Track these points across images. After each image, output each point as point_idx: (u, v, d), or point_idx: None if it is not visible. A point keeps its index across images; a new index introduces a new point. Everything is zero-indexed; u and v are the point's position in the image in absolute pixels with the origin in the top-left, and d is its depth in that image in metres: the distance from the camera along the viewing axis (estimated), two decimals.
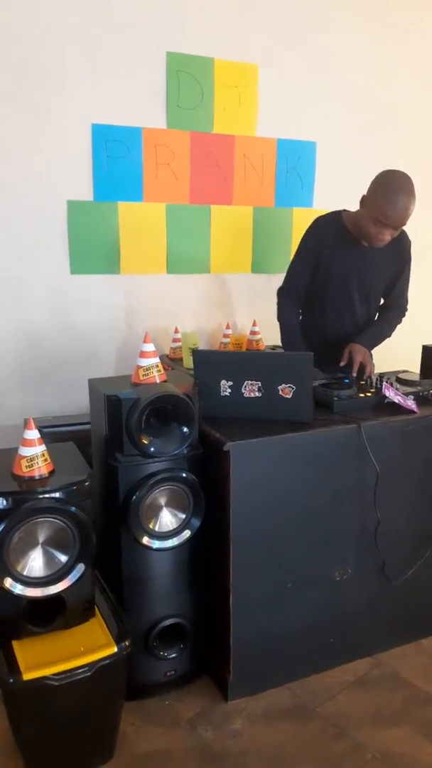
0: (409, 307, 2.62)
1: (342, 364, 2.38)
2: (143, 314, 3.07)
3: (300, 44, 3.11)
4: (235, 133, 3.08)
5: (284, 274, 2.60)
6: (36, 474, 1.71)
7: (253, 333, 3.25)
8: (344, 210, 2.47)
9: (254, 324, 3.22)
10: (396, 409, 2.10)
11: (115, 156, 2.86)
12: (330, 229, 2.42)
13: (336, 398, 2.11)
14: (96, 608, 1.84)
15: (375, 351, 2.56)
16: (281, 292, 2.57)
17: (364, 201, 2.29)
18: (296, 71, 3.13)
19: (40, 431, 2.53)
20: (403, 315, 2.60)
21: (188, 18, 2.85)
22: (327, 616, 2.15)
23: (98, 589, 1.94)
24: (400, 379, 2.35)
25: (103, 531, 1.95)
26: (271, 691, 2.09)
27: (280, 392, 1.95)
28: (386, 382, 2.19)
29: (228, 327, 3.20)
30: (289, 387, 1.93)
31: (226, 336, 3.14)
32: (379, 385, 2.20)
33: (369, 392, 2.18)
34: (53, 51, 2.64)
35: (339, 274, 2.43)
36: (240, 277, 3.25)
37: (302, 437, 1.94)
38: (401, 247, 2.46)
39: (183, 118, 2.95)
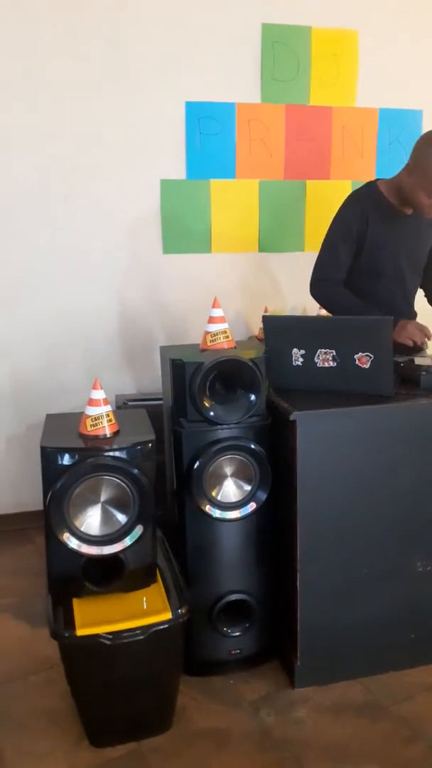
0: None
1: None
2: (234, 294, 3.04)
3: (403, 6, 2.92)
4: (334, 104, 2.96)
5: None
6: (100, 433, 1.71)
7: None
8: (378, 179, 2.26)
9: None
10: None
11: (208, 133, 2.85)
12: (371, 203, 2.18)
13: (425, 372, 1.93)
14: (159, 575, 1.82)
15: None
16: (317, 283, 2.24)
17: (410, 168, 2.06)
18: (400, 36, 2.95)
19: (125, 404, 2.60)
20: None
21: None
22: (407, 609, 1.98)
23: (164, 558, 1.92)
24: None
25: (174, 499, 1.93)
26: (343, 684, 1.96)
27: (357, 362, 1.81)
28: None
29: (321, 307, 3.07)
30: (367, 356, 1.80)
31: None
32: None
33: None
34: (146, 29, 2.68)
35: (389, 250, 2.19)
36: None
37: (379, 411, 1.80)
38: None
39: (278, 91, 2.88)
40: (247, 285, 3.04)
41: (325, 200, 3.05)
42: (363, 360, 1.81)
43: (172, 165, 2.84)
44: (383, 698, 1.90)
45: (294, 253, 3.07)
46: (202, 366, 1.73)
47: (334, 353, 1.83)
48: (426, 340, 2.08)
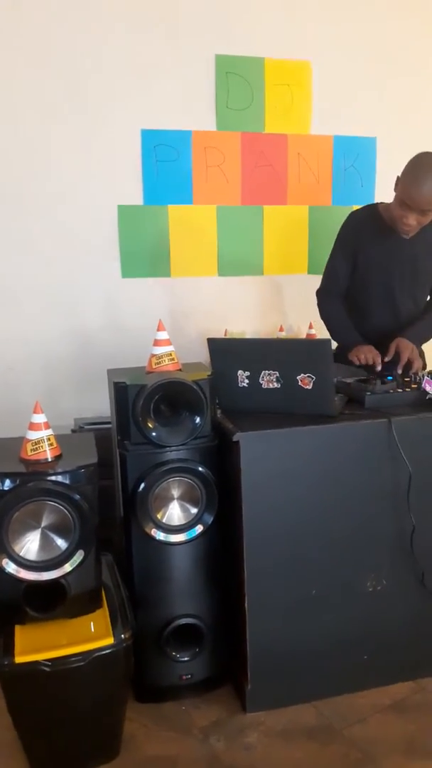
0: None
1: (387, 358, 2.21)
2: (195, 317, 3.05)
3: (355, 36, 3.01)
4: (288, 131, 3.02)
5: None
6: (42, 458, 1.71)
7: (309, 336, 3.14)
8: (380, 202, 2.33)
9: (311, 326, 3.11)
10: None
11: (165, 159, 2.89)
12: (367, 222, 2.29)
13: (369, 393, 1.96)
14: (105, 600, 1.80)
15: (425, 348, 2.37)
16: (321, 293, 2.44)
17: (397, 183, 2.15)
18: (352, 65, 3.03)
19: (80, 428, 2.59)
20: None
21: (236, 19, 2.85)
22: (360, 630, 1.97)
23: (112, 582, 1.90)
24: None
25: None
26: (295, 707, 1.94)
27: (300, 383, 1.83)
28: (428, 376, 2.00)
29: (281, 329, 3.11)
30: (308, 377, 1.81)
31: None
32: (420, 380, 2.02)
33: (408, 388, 2.01)
34: (102, 59, 2.73)
35: (380, 268, 2.28)
36: (295, 279, 3.15)
37: (323, 431, 1.81)
38: None
39: (233, 119, 2.94)
40: (208, 308, 3.06)
41: (283, 225, 3.11)
42: (305, 381, 1.82)
43: (129, 191, 2.87)
44: (335, 721, 1.89)
45: (253, 276, 3.10)
46: (144, 388, 1.74)
47: (278, 374, 1.85)
48: (373, 361, 2.14)
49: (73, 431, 2.56)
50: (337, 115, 3.06)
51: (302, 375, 1.82)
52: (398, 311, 2.33)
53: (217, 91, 2.89)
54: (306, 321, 3.11)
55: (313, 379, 1.81)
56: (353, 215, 2.35)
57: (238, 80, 2.91)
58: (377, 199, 3.17)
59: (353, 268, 2.33)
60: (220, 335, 3.01)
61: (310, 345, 1.86)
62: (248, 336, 3.07)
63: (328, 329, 2.43)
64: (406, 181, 2.05)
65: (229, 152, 2.96)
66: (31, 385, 2.89)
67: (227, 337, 2.97)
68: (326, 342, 1.80)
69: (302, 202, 3.10)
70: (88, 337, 2.94)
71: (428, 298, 2.41)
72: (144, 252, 2.94)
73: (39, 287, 2.83)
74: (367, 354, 2.16)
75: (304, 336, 3.17)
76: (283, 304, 3.16)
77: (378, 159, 3.14)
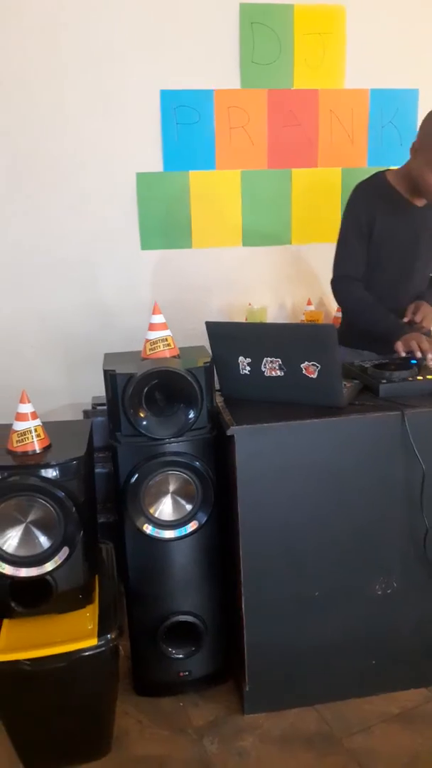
0: None
1: (406, 319, 2.01)
2: (217, 290, 2.91)
3: None
4: (320, 87, 2.77)
5: None
6: (29, 449, 1.64)
7: (339, 309, 2.94)
8: (386, 169, 2.09)
9: None
10: None
11: (185, 122, 2.71)
12: (378, 194, 2.04)
13: (384, 381, 1.78)
14: (99, 595, 1.75)
15: None
16: (340, 281, 2.12)
17: (416, 148, 1.91)
18: (391, 9, 2.73)
19: (94, 407, 2.52)
20: None
21: None
22: (368, 633, 1.85)
23: (109, 575, 1.85)
24: None
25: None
26: (297, 711, 1.85)
27: (304, 371, 1.68)
28: None
29: (309, 303, 2.93)
30: (313, 365, 1.66)
31: (307, 313, 2.88)
32: None
33: (429, 375, 1.82)
34: (115, 14, 2.55)
35: (397, 243, 2.04)
36: (326, 248, 2.87)
37: (327, 424, 1.66)
38: None
39: (259, 75, 2.71)
40: (231, 281, 2.90)
41: (313, 190, 2.89)
42: (310, 369, 1.67)
43: (148, 157, 2.72)
44: (337, 728, 1.79)
45: (280, 246, 2.91)
46: (133, 377, 1.63)
47: (280, 362, 1.70)
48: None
49: (85, 412, 2.49)
50: (374, 66, 2.78)
51: (306, 363, 1.66)
52: (415, 288, 2.10)
53: (241, 45, 2.67)
54: None
55: (318, 367, 1.65)
56: (361, 187, 2.10)
57: (265, 31, 2.67)
58: None
59: (368, 246, 2.08)
60: (243, 309, 2.86)
61: (314, 330, 1.69)
62: (271, 311, 2.90)
63: (361, 320, 2.12)
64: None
65: (254, 112, 2.75)
66: (49, 363, 2.85)
67: (251, 309, 2.82)
68: (331, 327, 1.64)
69: (334, 164, 2.86)
70: (106, 313, 2.84)
71: None
72: (164, 222, 2.80)
73: (54, 261, 2.74)
74: (420, 343, 1.88)
75: (334, 310, 2.99)
76: (312, 276, 2.96)
77: (420, 114, 2.85)
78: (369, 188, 2.07)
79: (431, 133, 1.89)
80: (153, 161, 2.73)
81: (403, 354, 1.92)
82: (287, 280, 2.97)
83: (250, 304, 2.84)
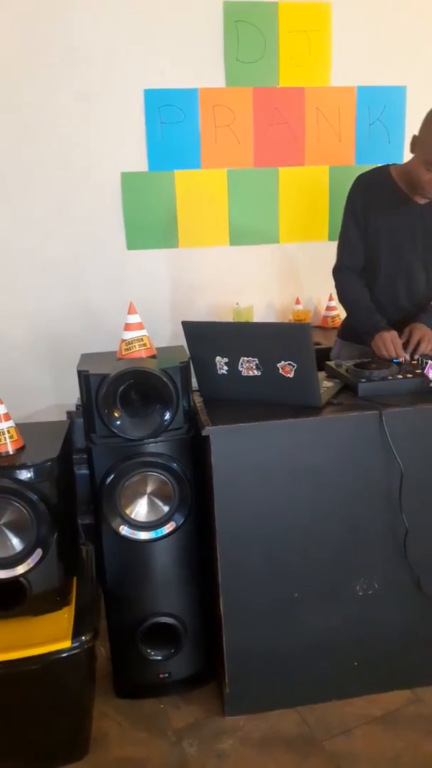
0: None
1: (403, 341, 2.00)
2: (204, 290, 2.90)
3: None
4: (306, 84, 2.76)
5: None
6: (2, 451, 1.63)
7: (329, 308, 2.94)
8: (392, 164, 2.07)
9: (330, 299, 2.92)
10: None
11: (170, 122, 2.70)
12: (377, 187, 2.02)
13: (363, 380, 1.77)
14: (76, 596, 1.74)
15: None
16: (338, 272, 2.13)
17: (414, 143, 1.90)
18: (377, 6, 2.72)
19: (77, 408, 2.51)
20: None
21: None
22: (349, 635, 1.83)
23: (87, 576, 1.84)
24: None
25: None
26: (278, 713, 1.83)
27: (281, 371, 1.66)
28: (430, 361, 1.79)
29: (298, 302, 2.91)
30: (290, 365, 1.64)
31: (295, 313, 2.87)
32: (422, 366, 1.81)
33: (409, 374, 1.80)
34: (100, 13, 2.54)
35: (393, 239, 2.02)
36: (314, 247, 2.92)
37: (303, 424, 1.64)
38: None
39: (244, 73, 2.70)
40: (218, 280, 2.89)
41: (301, 188, 2.88)
42: (287, 369, 1.65)
43: (133, 157, 2.72)
44: (318, 731, 1.77)
45: (268, 245, 2.90)
46: (107, 378, 1.62)
47: (257, 362, 1.68)
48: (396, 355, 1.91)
49: (68, 413, 2.48)
50: (360, 63, 2.77)
51: (283, 362, 1.64)
52: (415, 288, 2.07)
53: (225, 43, 2.66)
54: (325, 293, 2.92)
55: (294, 366, 1.64)
56: (361, 178, 2.09)
57: (249, 29, 2.66)
58: (407, 158, 2.88)
59: (365, 236, 2.07)
60: (231, 309, 2.85)
61: (289, 330, 1.68)
62: (259, 310, 2.89)
63: (348, 312, 2.16)
64: (430, 138, 1.80)
65: (239, 110, 2.74)
66: (36, 364, 2.84)
67: (237, 308, 2.81)
68: (305, 327, 1.62)
69: (322, 162, 2.85)
70: (92, 313, 2.84)
71: None
72: (150, 222, 2.79)
73: (40, 262, 2.74)
74: (388, 346, 1.91)
75: (323, 309, 2.97)
76: (300, 275, 2.95)
77: (408, 111, 2.83)
78: (368, 179, 2.05)
79: (427, 129, 1.85)
80: (138, 161, 2.73)
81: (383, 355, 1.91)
82: (275, 279, 2.96)
83: (237, 304, 2.82)
